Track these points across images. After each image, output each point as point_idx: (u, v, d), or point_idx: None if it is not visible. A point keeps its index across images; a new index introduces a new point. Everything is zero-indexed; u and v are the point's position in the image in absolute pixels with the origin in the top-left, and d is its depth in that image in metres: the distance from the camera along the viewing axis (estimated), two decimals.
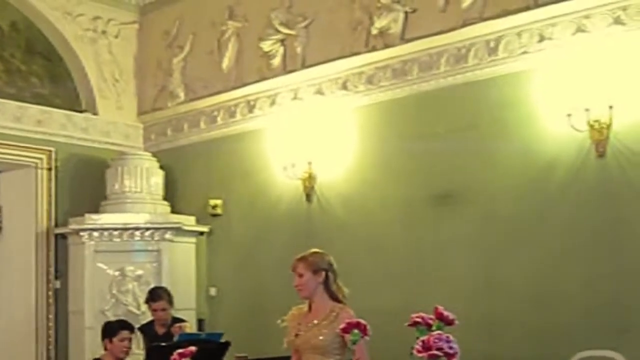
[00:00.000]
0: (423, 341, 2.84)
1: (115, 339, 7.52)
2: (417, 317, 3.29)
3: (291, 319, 5.57)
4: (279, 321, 5.63)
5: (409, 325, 3.29)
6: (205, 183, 10.03)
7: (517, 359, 7.29)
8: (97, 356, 7.88)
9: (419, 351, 2.84)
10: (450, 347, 2.83)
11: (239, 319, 9.35)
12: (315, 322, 5.39)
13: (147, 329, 8.32)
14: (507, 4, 7.65)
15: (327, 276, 5.53)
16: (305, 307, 5.57)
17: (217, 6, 9.99)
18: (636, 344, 6.68)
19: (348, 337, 3.78)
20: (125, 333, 7.60)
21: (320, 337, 5.32)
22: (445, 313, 3.26)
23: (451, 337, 2.84)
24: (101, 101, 10.43)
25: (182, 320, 8.23)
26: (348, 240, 8.56)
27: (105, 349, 7.69)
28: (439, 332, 2.93)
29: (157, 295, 8.38)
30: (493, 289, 7.62)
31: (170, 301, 8.34)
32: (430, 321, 3.28)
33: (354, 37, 8.71)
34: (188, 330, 7.93)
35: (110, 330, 7.66)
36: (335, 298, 5.51)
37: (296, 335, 5.45)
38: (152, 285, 9.12)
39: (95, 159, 10.20)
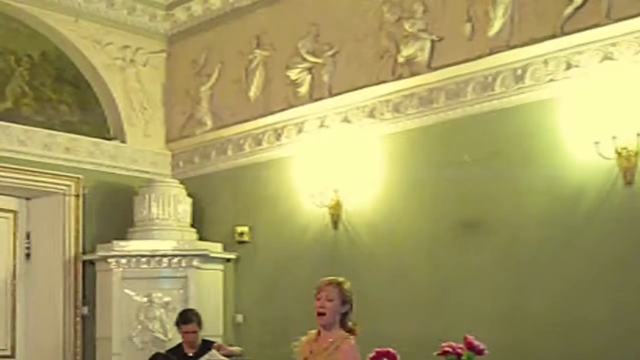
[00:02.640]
0: None
1: None
2: (447, 346, 3.30)
3: (302, 345, 5.59)
4: (293, 345, 5.65)
5: (439, 354, 3.30)
6: (232, 210, 10.06)
7: None
8: None
9: None
10: None
11: (265, 346, 9.33)
12: (320, 350, 5.41)
13: (175, 352, 8.33)
14: (533, 32, 7.66)
15: (348, 311, 5.55)
16: (314, 333, 5.58)
17: (245, 35, 10.05)
18: None
19: None
20: None
21: None
22: (475, 343, 3.27)
23: None
24: (129, 129, 10.50)
25: (211, 343, 8.27)
26: (374, 267, 8.56)
27: None
28: None
29: (187, 318, 8.46)
30: (518, 318, 7.59)
31: (199, 324, 8.40)
32: (460, 350, 3.29)
33: (380, 66, 8.73)
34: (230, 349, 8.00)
35: None
36: (348, 330, 5.51)
37: None
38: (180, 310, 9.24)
39: (123, 186, 10.26)
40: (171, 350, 8.45)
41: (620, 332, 6.93)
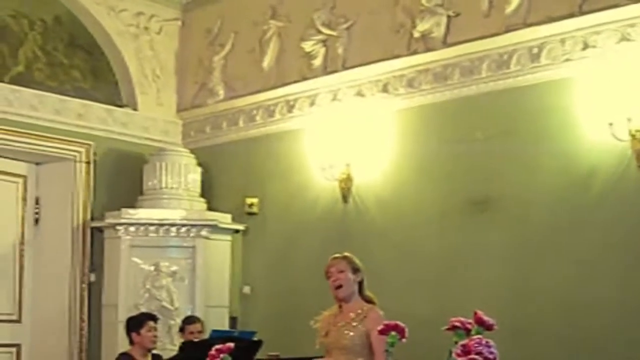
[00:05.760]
0: (463, 345, 2.82)
1: (142, 331, 7.71)
2: (456, 321, 3.27)
3: (323, 319, 5.59)
4: (312, 322, 5.65)
5: (448, 329, 3.28)
6: (242, 181, 10.03)
7: None
8: (123, 351, 7.96)
9: (458, 355, 2.83)
10: (490, 352, 2.82)
11: (271, 318, 9.35)
12: (345, 322, 5.41)
13: None
14: (551, 10, 7.60)
15: (362, 278, 5.57)
16: (336, 308, 5.58)
17: (260, 5, 9.98)
18: None
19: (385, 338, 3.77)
20: (151, 323, 7.79)
21: (348, 337, 5.34)
22: (485, 318, 3.24)
23: (491, 342, 2.82)
24: (141, 97, 10.46)
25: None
26: (383, 242, 8.54)
27: (132, 342, 7.79)
28: (479, 336, 2.92)
29: (191, 319, 8.36)
30: (526, 297, 7.58)
31: (203, 326, 8.29)
32: (469, 326, 3.27)
33: (395, 40, 8.68)
34: None
35: (137, 323, 7.81)
36: (368, 300, 5.53)
37: (326, 334, 5.47)
38: (186, 282, 9.28)
39: (134, 154, 10.24)
40: None
41: (628, 313, 6.92)
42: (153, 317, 7.97)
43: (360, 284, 5.58)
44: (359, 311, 5.44)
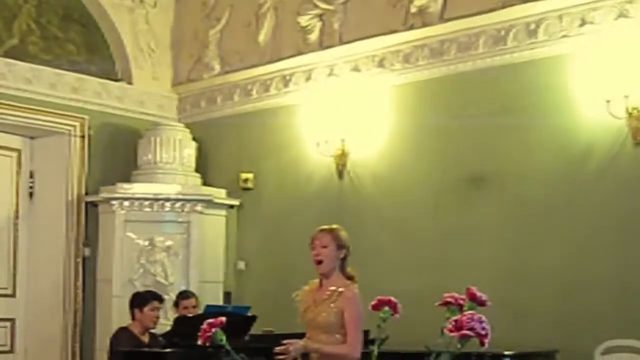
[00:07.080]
0: (455, 321, 2.81)
1: (146, 309, 7.69)
2: (449, 297, 3.26)
3: (304, 294, 5.54)
4: (294, 295, 5.62)
5: (441, 304, 3.27)
6: (237, 156, 10.00)
7: (543, 346, 7.23)
8: (123, 325, 7.95)
9: (450, 330, 2.81)
10: (483, 328, 2.80)
11: (266, 293, 9.34)
12: (323, 299, 5.36)
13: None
14: None
15: (346, 255, 5.49)
16: (316, 283, 5.53)
17: None
18: None
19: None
20: (156, 303, 7.77)
21: (323, 316, 5.29)
22: (478, 294, 3.22)
23: (483, 318, 2.80)
24: (136, 71, 10.41)
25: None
26: (378, 219, 8.53)
27: (134, 318, 7.77)
28: (471, 312, 2.90)
29: (185, 294, 8.36)
30: (521, 275, 7.58)
31: (197, 301, 8.27)
32: (462, 302, 3.25)
33: (392, 15, 8.63)
34: None
35: (142, 300, 7.78)
36: (349, 277, 5.47)
37: (305, 310, 5.43)
38: (180, 257, 9.27)
39: (129, 129, 10.20)
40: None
41: (622, 291, 6.93)
42: (159, 298, 7.94)
43: (343, 259, 5.50)
44: (336, 288, 5.37)
